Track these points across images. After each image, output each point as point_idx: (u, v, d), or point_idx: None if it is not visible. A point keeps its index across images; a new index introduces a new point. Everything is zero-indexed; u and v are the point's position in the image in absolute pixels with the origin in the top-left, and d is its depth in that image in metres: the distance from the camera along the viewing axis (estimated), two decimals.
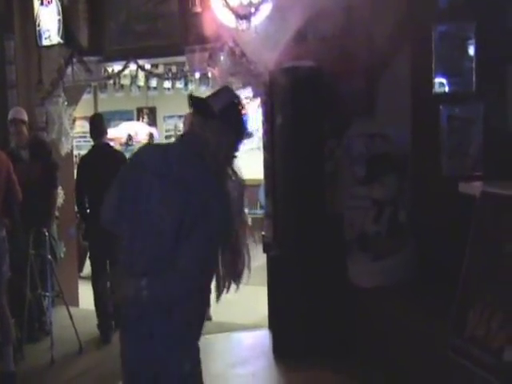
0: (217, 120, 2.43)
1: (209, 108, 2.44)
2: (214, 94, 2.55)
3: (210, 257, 2.47)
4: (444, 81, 4.74)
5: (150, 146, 2.68)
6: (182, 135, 2.69)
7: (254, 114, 8.44)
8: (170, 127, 12.37)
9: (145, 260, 2.45)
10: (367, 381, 4.45)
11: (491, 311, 3.21)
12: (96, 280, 5.76)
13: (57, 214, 6.11)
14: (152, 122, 12.44)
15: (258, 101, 5.62)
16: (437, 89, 4.74)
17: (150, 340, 2.49)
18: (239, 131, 2.51)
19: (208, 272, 2.52)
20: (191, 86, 8.78)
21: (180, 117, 10.84)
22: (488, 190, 3.56)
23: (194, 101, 2.54)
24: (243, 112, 2.50)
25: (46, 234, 5.38)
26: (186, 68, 6.17)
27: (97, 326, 5.77)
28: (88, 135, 6.30)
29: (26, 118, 5.76)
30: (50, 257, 5.38)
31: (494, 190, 3.53)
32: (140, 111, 12.56)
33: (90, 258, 6.04)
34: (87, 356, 5.29)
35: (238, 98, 2.54)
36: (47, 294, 5.48)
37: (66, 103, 6.57)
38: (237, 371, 4.84)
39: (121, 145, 9.92)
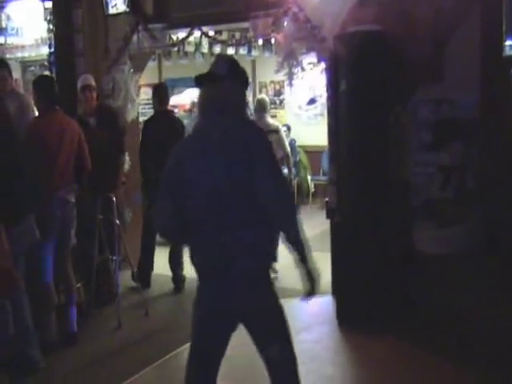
0: (227, 79, 2.87)
1: (218, 73, 2.89)
2: (215, 64, 2.96)
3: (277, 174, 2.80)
4: None
5: (183, 141, 3.12)
6: (202, 107, 2.96)
7: (318, 79, 8.36)
8: None
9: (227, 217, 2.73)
10: (430, 346, 4.42)
11: None
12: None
13: (123, 179, 6.22)
14: None
15: (322, 66, 5.54)
16: (508, 51, 4.57)
17: (233, 278, 2.75)
18: (245, 81, 3.00)
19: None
20: (255, 53, 8.71)
21: None
22: None
23: (202, 76, 2.96)
24: (241, 66, 2.98)
25: (114, 199, 5.48)
26: (250, 34, 6.13)
27: (172, 280, 6.20)
28: None
29: (95, 84, 5.86)
30: (117, 221, 5.51)
31: None
32: None
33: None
34: (153, 319, 5.40)
35: (233, 58, 3.02)
36: (114, 257, 5.59)
37: (131, 71, 6.65)
38: (301, 337, 4.86)
39: (185, 111, 9.94)
